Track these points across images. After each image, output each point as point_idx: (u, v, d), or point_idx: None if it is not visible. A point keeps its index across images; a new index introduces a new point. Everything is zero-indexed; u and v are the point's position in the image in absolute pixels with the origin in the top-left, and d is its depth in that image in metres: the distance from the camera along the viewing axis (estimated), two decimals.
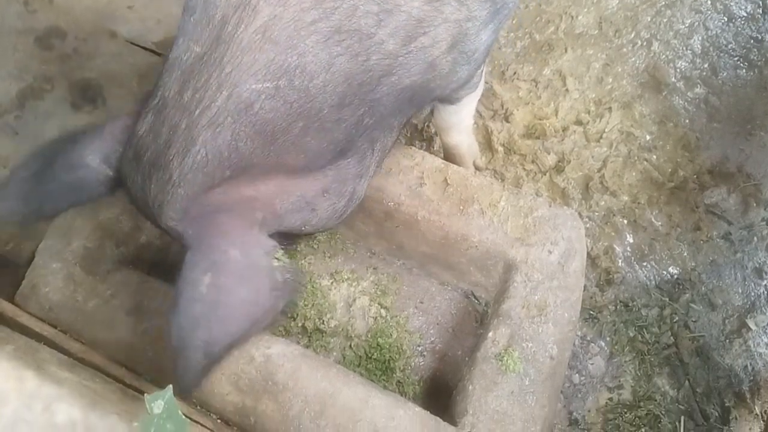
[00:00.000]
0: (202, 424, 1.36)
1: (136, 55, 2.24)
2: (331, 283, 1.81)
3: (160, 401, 0.96)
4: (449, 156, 2.09)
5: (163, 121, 1.15)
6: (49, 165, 1.27)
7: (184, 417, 0.96)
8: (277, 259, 1.19)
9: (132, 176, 1.21)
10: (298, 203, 1.29)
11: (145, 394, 0.96)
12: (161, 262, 1.74)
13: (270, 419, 1.39)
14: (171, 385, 0.99)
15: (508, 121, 2.34)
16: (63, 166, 1.26)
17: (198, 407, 1.42)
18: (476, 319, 1.82)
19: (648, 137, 2.34)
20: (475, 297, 1.82)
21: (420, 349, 1.77)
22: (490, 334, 1.52)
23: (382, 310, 1.78)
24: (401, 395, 1.61)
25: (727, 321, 2.07)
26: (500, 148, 2.29)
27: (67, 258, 1.58)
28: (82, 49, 2.23)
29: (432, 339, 1.78)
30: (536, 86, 2.41)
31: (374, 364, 1.72)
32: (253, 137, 1.13)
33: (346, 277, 1.81)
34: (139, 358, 1.46)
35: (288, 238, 1.35)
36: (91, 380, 1.23)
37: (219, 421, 1.43)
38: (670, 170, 2.29)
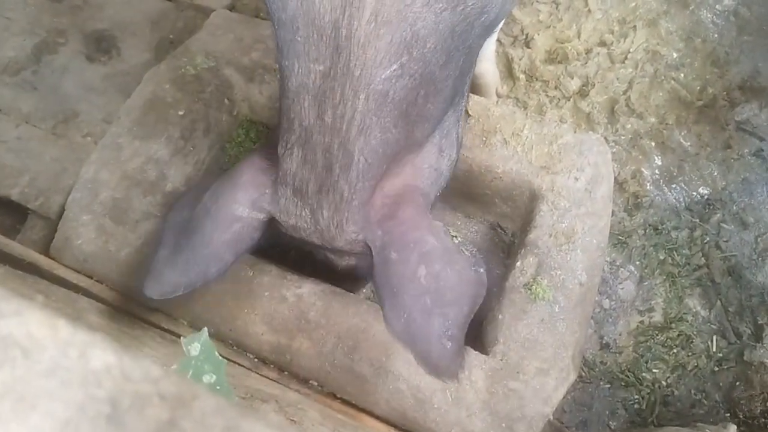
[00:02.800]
0: (239, 364, 1.40)
1: (147, 1, 2.21)
2: None
3: (197, 343, 0.98)
4: (473, 87, 2.04)
5: (314, 149, 1.17)
6: (190, 233, 1.29)
7: (221, 357, 0.98)
8: (453, 236, 1.26)
9: (297, 212, 1.25)
10: (431, 174, 1.33)
11: (182, 337, 0.98)
12: None
13: (305, 356, 1.43)
14: (206, 328, 1.01)
15: (529, 47, 2.28)
16: (215, 227, 1.28)
17: (234, 348, 1.46)
18: (503, 250, 1.82)
19: (675, 55, 2.27)
20: (501, 228, 1.82)
21: None
22: (518, 263, 1.52)
23: None
24: None
25: (759, 239, 2.05)
26: (522, 76, 2.24)
27: (96, 210, 1.60)
28: None
29: None
30: (557, 8, 2.33)
31: None
32: (396, 122, 1.16)
33: None
34: (173, 303, 1.49)
35: None
36: (129, 327, 1.27)
37: (256, 360, 1.46)
38: (698, 88, 2.23)
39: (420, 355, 1.19)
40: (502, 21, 1.61)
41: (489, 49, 1.92)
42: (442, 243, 1.22)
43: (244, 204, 1.27)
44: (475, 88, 2.02)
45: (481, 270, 1.28)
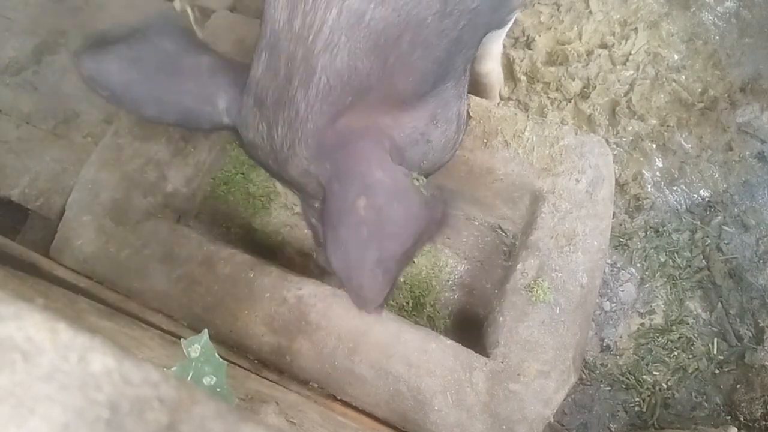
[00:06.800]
0: (239, 365, 1.40)
1: (148, 2, 2.20)
2: None
3: (197, 345, 0.98)
4: (477, 86, 2.03)
5: (278, 55, 1.12)
6: (168, 69, 1.25)
7: (221, 359, 0.98)
8: (415, 179, 1.19)
9: (255, 125, 1.20)
10: (414, 135, 1.26)
11: (182, 339, 0.98)
12: (189, 210, 1.76)
13: (305, 357, 1.42)
14: (206, 329, 1.01)
15: (530, 49, 2.27)
16: (193, 94, 1.24)
17: (235, 349, 1.46)
18: (504, 252, 1.82)
19: (676, 57, 2.26)
20: (502, 230, 1.82)
21: (449, 284, 1.78)
22: (519, 265, 1.52)
23: None
24: (432, 330, 1.63)
25: (760, 241, 2.04)
26: (523, 77, 2.24)
27: (97, 210, 1.60)
28: None
29: (460, 274, 1.79)
30: (558, 9, 2.33)
31: (404, 300, 1.73)
32: (368, 54, 1.10)
33: None
34: (174, 305, 1.49)
35: None
36: (129, 328, 1.26)
37: (256, 361, 1.46)
38: (699, 90, 2.22)
39: (352, 289, 1.13)
40: (512, 17, 1.59)
41: (495, 49, 1.91)
42: (391, 178, 1.14)
43: (224, 98, 1.25)
44: (479, 88, 2.01)
45: (438, 210, 1.20)
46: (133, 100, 1.26)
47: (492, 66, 1.98)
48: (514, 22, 2.29)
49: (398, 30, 1.09)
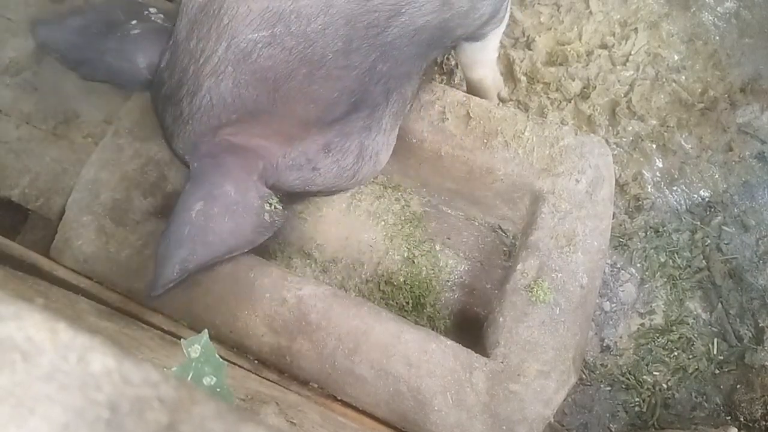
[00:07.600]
0: (239, 366, 1.40)
1: (149, 2, 2.20)
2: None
3: (197, 345, 0.98)
4: (473, 90, 2.03)
5: (175, 62, 1.22)
6: (104, 33, 1.36)
7: (221, 359, 0.98)
8: (269, 204, 1.28)
9: (155, 98, 1.32)
10: (299, 159, 1.31)
11: (182, 339, 0.98)
12: None
13: (306, 358, 1.42)
14: (206, 330, 1.01)
15: (530, 49, 2.27)
16: (114, 51, 1.34)
17: (235, 350, 1.46)
18: (504, 252, 1.82)
19: (676, 57, 2.27)
20: (502, 230, 1.82)
21: (449, 284, 1.78)
22: (519, 266, 1.52)
23: (410, 248, 1.78)
24: (432, 330, 1.63)
25: (760, 242, 2.04)
26: (523, 78, 2.24)
27: (97, 210, 1.60)
28: None
29: (461, 274, 1.79)
30: (558, 10, 2.33)
31: (404, 300, 1.73)
32: (255, 84, 1.16)
33: (372, 216, 1.81)
34: (174, 305, 1.49)
35: (294, 199, 1.44)
36: (129, 328, 1.26)
37: (256, 361, 1.46)
38: (699, 90, 2.22)
39: (155, 275, 1.24)
40: (488, 30, 1.59)
41: (487, 56, 1.90)
42: (239, 196, 1.24)
43: (145, 56, 1.32)
44: (475, 92, 2.01)
45: (263, 237, 1.31)
46: (73, 60, 1.39)
47: (484, 73, 1.97)
48: (515, 22, 2.30)
49: (290, 66, 1.15)
